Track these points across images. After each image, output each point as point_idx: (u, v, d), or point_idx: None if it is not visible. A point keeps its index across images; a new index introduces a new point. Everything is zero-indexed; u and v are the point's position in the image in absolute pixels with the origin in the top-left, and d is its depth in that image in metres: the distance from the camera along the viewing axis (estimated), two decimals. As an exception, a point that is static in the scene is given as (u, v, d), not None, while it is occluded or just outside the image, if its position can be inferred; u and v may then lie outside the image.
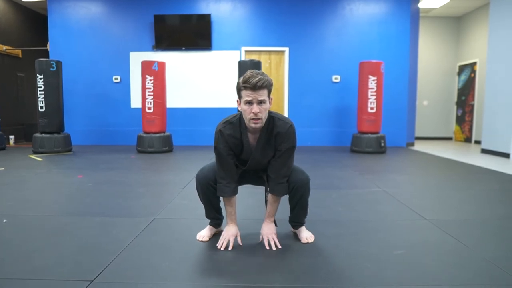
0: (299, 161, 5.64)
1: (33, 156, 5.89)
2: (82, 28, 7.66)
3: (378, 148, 6.36)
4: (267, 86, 1.85)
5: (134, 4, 7.58)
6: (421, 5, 8.23)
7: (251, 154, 2.01)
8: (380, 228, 2.47)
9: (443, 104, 9.75)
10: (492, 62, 6.67)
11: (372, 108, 6.39)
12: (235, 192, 2.07)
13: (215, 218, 2.26)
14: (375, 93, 6.37)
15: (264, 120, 1.89)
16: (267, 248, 2.05)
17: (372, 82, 6.35)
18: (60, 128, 6.42)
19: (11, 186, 3.70)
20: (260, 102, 1.84)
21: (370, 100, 6.38)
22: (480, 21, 8.62)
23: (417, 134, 9.31)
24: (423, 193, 3.55)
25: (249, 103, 1.84)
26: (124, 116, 7.75)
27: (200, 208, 2.31)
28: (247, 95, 1.83)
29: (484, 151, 6.83)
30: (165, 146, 6.40)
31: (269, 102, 1.90)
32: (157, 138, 6.32)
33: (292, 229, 2.32)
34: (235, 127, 1.97)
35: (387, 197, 3.32)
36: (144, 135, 6.36)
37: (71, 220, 2.58)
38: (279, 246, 2.05)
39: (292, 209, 2.20)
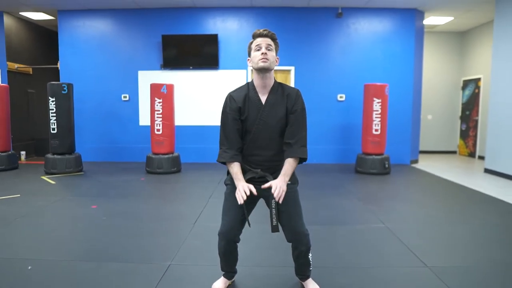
0: (304, 184, 5.79)
1: (45, 178, 6.07)
2: (91, 47, 7.84)
3: (382, 169, 6.48)
4: (273, 36, 2.06)
5: (142, 24, 7.74)
6: (425, 22, 8.33)
7: (260, 112, 2.06)
8: (383, 277, 2.59)
9: (447, 118, 9.83)
10: (496, 82, 6.77)
11: (376, 130, 6.50)
12: (234, 158, 2.07)
13: (230, 271, 2.40)
14: (379, 116, 6.48)
15: (271, 65, 2.02)
16: (273, 194, 1.96)
17: (376, 105, 6.46)
18: (71, 149, 6.60)
19: (28, 219, 3.87)
20: (268, 48, 2.03)
21: (374, 122, 6.49)
22: (484, 36, 8.69)
23: (421, 147, 9.40)
24: (424, 230, 3.66)
25: (258, 48, 2.02)
26: (132, 133, 7.92)
27: (213, 250, 2.40)
28: (256, 42, 2.04)
29: (487, 170, 6.93)
30: (174, 166, 6.56)
31: (276, 60, 2.07)
32: (165, 159, 6.48)
33: (299, 280, 2.45)
34: (243, 89, 2.13)
35: (389, 236, 3.44)
36: (153, 156, 6.52)
37: (90, 266, 2.73)
38: (280, 202, 1.98)
39: (294, 262, 2.32)
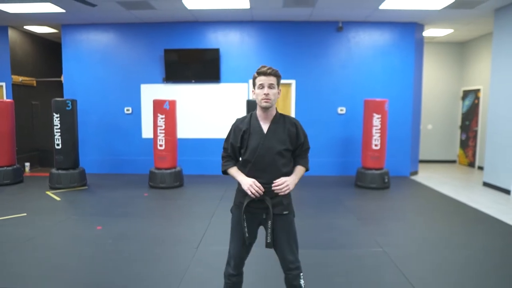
0: (304, 200, 5.84)
1: (50, 193, 6.18)
2: (95, 61, 7.95)
3: (381, 184, 6.57)
4: (276, 74, 2.23)
5: (145, 38, 7.85)
6: (425, 33, 8.41)
7: (263, 140, 2.24)
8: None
9: (448, 127, 9.91)
10: (494, 96, 6.84)
11: (376, 145, 6.59)
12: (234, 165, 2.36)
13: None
14: (379, 131, 6.56)
15: (273, 103, 2.22)
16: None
17: (376, 120, 6.55)
18: (75, 164, 6.70)
19: (35, 242, 3.97)
20: (270, 87, 2.20)
21: (374, 137, 6.58)
22: (484, 47, 8.76)
23: (421, 157, 9.48)
24: (421, 255, 3.74)
25: (262, 86, 2.20)
26: (135, 146, 8.03)
27: (216, 278, 2.47)
28: (260, 80, 2.20)
29: (485, 184, 7.00)
30: (176, 181, 6.66)
31: (278, 92, 2.25)
32: (168, 174, 6.58)
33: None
34: (246, 118, 2.35)
35: (386, 262, 3.53)
36: (156, 171, 6.62)
37: (97, 298, 2.83)
38: (279, 194, 2.19)
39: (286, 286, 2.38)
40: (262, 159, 2.23)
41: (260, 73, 2.20)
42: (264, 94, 2.19)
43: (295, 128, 2.28)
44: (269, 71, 2.19)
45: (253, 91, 2.28)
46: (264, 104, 2.21)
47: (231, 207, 2.37)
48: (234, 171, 2.29)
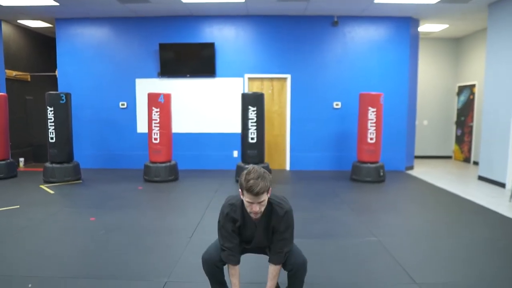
0: (300, 193, 5.81)
1: (44, 187, 6.14)
2: (89, 55, 7.90)
3: (377, 177, 6.57)
4: (266, 190, 2.07)
5: (140, 32, 7.81)
6: (420, 29, 8.42)
7: (255, 232, 2.26)
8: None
9: (443, 123, 9.93)
10: (489, 91, 6.86)
11: (371, 139, 6.59)
12: (239, 261, 2.29)
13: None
14: (374, 124, 6.56)
15: (262, 211, 2.15)
16: None
17: (371, 114, 6.55)
18: (69, 158, 6.66)
19: (28, 232, 3.94)
20: (261, 203, 2.10)
21: (369, 131, 6.58)
22: (479, 43, 8.78)
23: (417, 152, 9.49)
24: (415, 244, 3.75)
25: (250, 204, 2.10)
26: (130, 140, 7.99)
27: None
28: (249, 197, 2.07)
29: (480, 178, 7.02)
30: (171, 175, 6.64)
31: (268, 193, 2.11)
32: (163, 168, 6.55)
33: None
34: (237, 209, 2.23)
35: (380, 250, 3.52)
36: (151, 164, 6.59)
37: (90, 284, 2.81)
38: None
39: (288, 285, 2.41)
40: (253, 247, 2.36)
41: (248, 191, 2.02)
42: (254, 212, 2.10)
43: (280, 221, 2.19)
44: (260, 191, 2.01)
45: (240, 191, 2.12)
46: (254, 217, 2.16)
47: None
48: (232, 278, 2.28)
